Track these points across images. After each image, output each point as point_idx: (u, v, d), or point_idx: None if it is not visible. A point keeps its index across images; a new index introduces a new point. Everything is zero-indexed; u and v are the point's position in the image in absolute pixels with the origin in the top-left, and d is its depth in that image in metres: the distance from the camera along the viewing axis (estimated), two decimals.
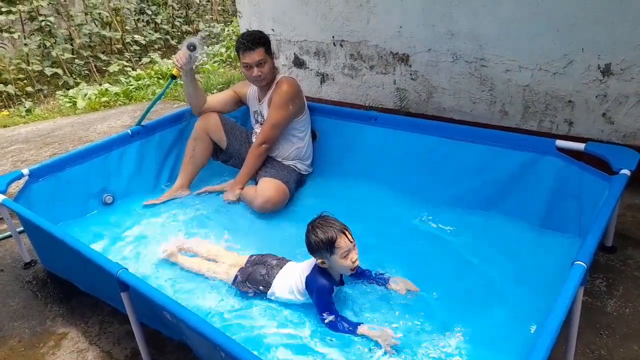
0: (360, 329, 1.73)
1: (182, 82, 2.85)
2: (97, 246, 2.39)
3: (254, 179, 2.86)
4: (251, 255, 2.13)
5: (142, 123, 2.94)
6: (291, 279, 1.91)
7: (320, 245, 1.77)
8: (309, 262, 1.92)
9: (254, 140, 2.91)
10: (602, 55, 2.57)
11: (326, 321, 1.77)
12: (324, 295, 1.80)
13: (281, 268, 1.98)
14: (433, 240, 2.28)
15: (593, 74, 2.63)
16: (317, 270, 1.84)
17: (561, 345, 1.64)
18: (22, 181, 2.51)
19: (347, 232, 1.79)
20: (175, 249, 2.25)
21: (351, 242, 1.79)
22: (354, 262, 1.80)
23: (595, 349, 1.76)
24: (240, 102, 2.96)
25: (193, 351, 1.81)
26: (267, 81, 2.70)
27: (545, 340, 1.24)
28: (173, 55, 2.64)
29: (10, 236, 2.76)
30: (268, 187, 2.60)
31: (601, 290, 2.03)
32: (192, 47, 2.58)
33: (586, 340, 1.79)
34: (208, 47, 6.70)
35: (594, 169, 2.08)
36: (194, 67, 2.71)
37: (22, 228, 2.57)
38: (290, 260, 2.04)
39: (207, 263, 2.17)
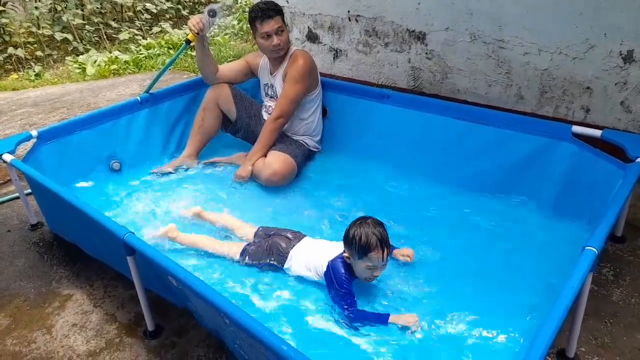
0: (391, 318, 1.69)
1: (193, 50, 2.81)
2: (103, 211, 2.38)
3: None
4: (260, 228, 2.12)
5: (151, 91, 2.91)
6: (311, 258, 1.89)
7: (355, 243, 1.71)
8: (333, 246, 1.88)
9: (263, 113, 2.88)
10: (624, 42, 2.50)
11: (346, 312, 1.72)
12: (344, 286, 1.75)
13: (299, 241, 1.96)
14: (441, 221, 2.26)
15: (614, 61, 2.56)
16: (342, 260, 1.80)
17: (565, 330, 1.63)
18: (30, 143, 2.51)
19: (386, 250, 1.71)
20: (199, 208, 2.29)
21: (384, 260, 1.72)
22: (373, 277, 1.77)
23: (598, 337, 1.76)
24: (251, 73, 2.92)
25: (196, 318, 1.82)
26: (284, 51, 2.65)
27: (552, 322, 1.23)
28: (189, 21, 2.60)
29: (17, 197, 2.77)
30: (276, 160, 2.57)
31: (608, 279, 2.01)
32: (212, 13, 2.55)
33: (590, 327, 1.78)
34: (228, 16, 6.58)
35: (610, 156, 2.04)
36: (208, 34, 2.67)
37: (29, 190, 2.58)
38: (306, 235, 2.03)
39: (217, 241, 2.12)
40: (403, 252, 1.99)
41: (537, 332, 1.21)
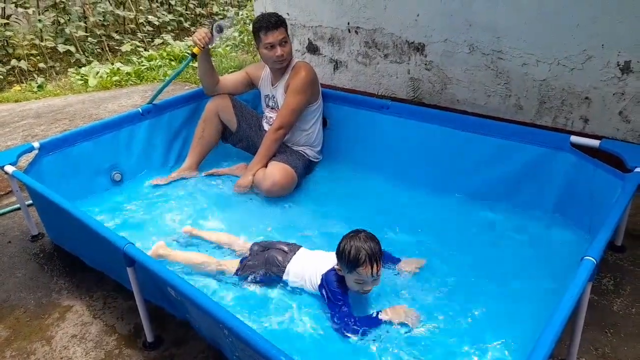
0: (382, 315, 1.68)
1: (195, 62, 2.84)
2: (103, 222, 2.39)
3: None
4: (254, 244, 2.09)
5: (154, 102, 2.93)
6: (307, 269, 1.88)
7: (344, 257, 1.70)
8: (328, 257, 1.87)
9: (264, 124, 2.90)
10: (622, 53, 2.52)
11: (340, 324, 1.70)
12: (338, 297, 1.74)
13: (295, 253, 1.96)
14: (440, 231, 2.26)
15: (612, 71, 2.58)
16: (334, 272, 1.80)
17: (565, 340, 1.63)
18: (32, 155, 2.52)
19: (376, 265, 1.68)
20: (189, 227, 2.28)
21: (374, 275, 1.69)
22: (364, 291, 1.76)
23: (599, 347, 1.75)
24: (252, 85, 2.94)
25: (196, 329, 1.82)
26: (287, 62, 2.68)
27: (550, 332, 1.23)
28: (194, 34, 2.64)
29: (19, 208, 2.78)
30: (276, 171, 2.58)
31: (608, 289, 2.01)
32: (219, 29, 2.60)
33: (590, 337, 1.78)
34: (229, 28, 6.65)
35: (608, 166, 2.05)
36: (210, 47, 2.71)
37: (30, 201, 2.59)
38: (301, 247, 2.03)
39: (212, 258, 2.08)
40: (409, 265, 1.98)
41: (535, 342, 1.21)
